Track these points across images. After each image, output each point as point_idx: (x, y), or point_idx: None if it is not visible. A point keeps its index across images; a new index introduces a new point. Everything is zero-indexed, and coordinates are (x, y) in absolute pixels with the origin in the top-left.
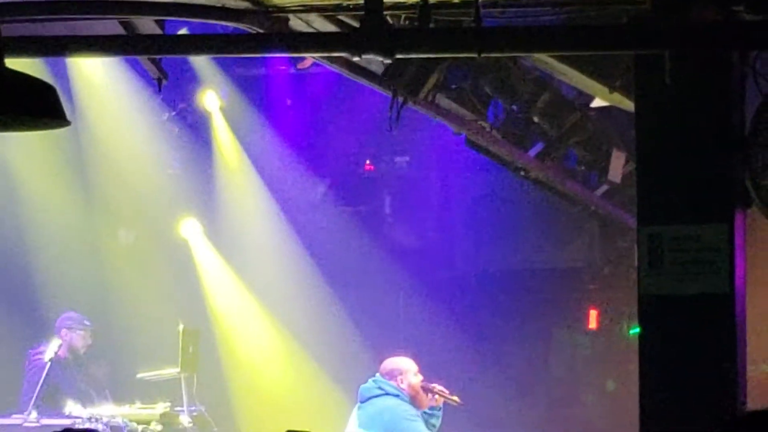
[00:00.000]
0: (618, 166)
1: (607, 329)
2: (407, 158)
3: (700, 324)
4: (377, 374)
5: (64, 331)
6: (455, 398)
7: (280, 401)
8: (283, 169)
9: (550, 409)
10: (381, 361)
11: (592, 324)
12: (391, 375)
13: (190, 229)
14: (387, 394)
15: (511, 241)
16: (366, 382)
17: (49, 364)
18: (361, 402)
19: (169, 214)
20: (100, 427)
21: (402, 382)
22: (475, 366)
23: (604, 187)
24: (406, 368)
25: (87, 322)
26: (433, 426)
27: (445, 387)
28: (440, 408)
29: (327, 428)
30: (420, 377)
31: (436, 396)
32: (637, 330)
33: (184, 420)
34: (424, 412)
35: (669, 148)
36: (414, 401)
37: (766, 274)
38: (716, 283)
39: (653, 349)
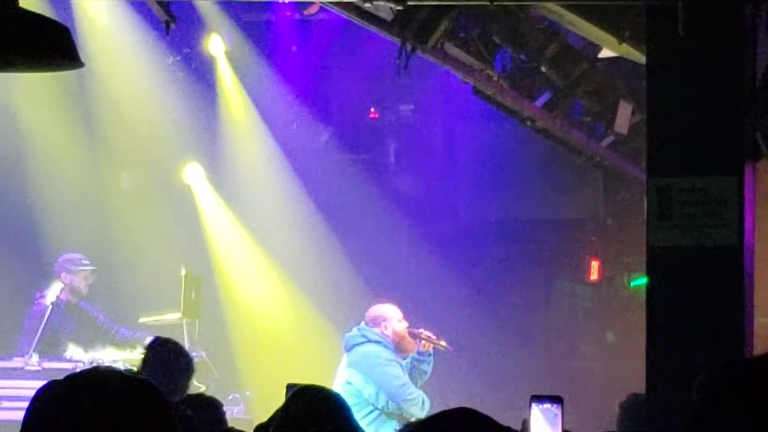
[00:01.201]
0: (625, 117)
1: (608, 281)
2: (412, 107)
3: (707, 276)
4: (362, 322)
5: (64, 275)
6: (443, 343)
7: (281, 347)
8: (288, 116)
9: (550, 359)
10: None
11: (594, 275)
12: (375, 322)
13: (193, 174)
14: (369, 341)
15: (515, 192)
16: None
17: (50, 307)
18: (347, 350)
19: (172, 159)
20: None
21: (386, 329)
22: (475, 315)
23: (610, 139)
24: (389, 315)
25: (85, 261)
26: (425, 372)
27: (445, 336)
28: (430, 354)
29: (327, 375)
30: (404, 323)
31: (424, 341)
32: (639, 282)
33: None
34: (413, 358)
35: (679, 100)
36: (399, 347)
37: None
38: (725, 235)
39: (660, 301)
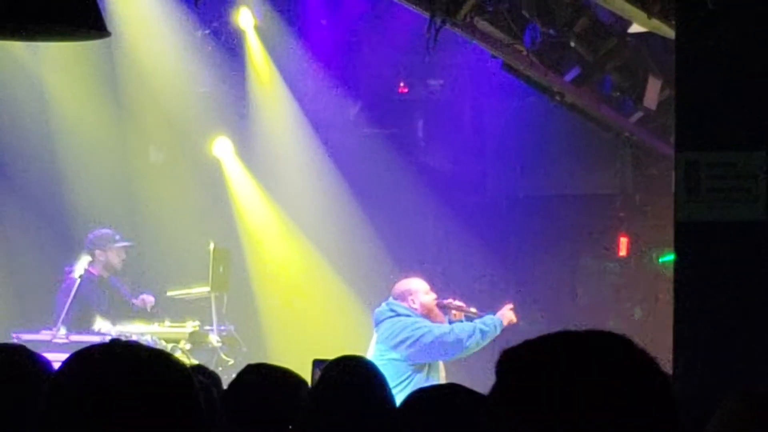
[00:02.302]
0: (654, 92)
1: (636, 257)
2: (441, 81)
3: (736, 251)
4: (390, 298)
5: (98, 252)
6: (473, 310)
7: (309, 322)
8: (316, 90)
9: None
10: None
11: (622, 251)
12: (402, 297)
13: (222, 148)
14: (398, 315)
15: (543, 167)
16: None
17: (78, 281)
18: (376, 326)
19: (201, 133)
20: None
21: (414, 302)
22: (503, 291)
23: (639, 114)
24: (415, 288)
25: (118, 237)
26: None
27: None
28: (462, 321)
29: (355, 350)
30: (433, 295)
31: (454, 311)
32: (667, 258)
33: (213, 339)
34: None
35: (709, 74)
36: (429, 319)
37: None
38: (753, 210)
39: (688, 276)
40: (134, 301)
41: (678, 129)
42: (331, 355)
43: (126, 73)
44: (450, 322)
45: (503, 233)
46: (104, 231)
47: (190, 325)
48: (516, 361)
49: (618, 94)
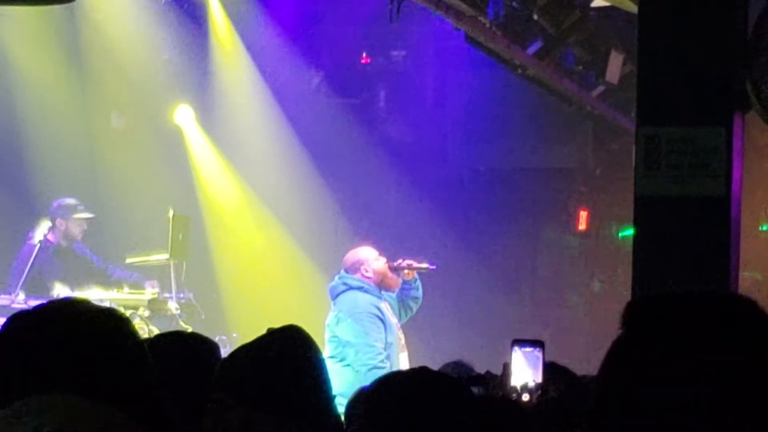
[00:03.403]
0: (616, 66)
1: (596, 231)
2: (404, 53)
3: (694, 226)
4: (342, 270)
5: (59, 220)
6: (425, 265)
7: (268, 290)
8: (279, 58)
9: (536, 307)
10: None
11: (582, 225)
12: (354, 268)
13: (184, 115)
14: (351, 288)
15: (505, 140)
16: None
17: (37, 247)
18: (332, 299)
19: (162, 100)
20: None
21: (366, 272)
22: (463, 263)
23: (601, 88)
24: (365, 257)
25: (81, 207)
26: (415, 298)
27: (432, 282)
28: (416, 279)
29: (313, 318)
30: (383, 260)
31: (406, 271)
32: (627, 232)
33: (172, 306)
34: (401, 291)
35: (671, 49)
36: (382, 285)
37: (762, 179)
38: (712, 185)
39: (647, 250)
40: (146, 283)
41: (639, 104)
42: (287, 322)
43: (88, 39)
44: (404, 282)
45: (464, 205)
46: (69, 200)
47: (150, 292)
48: (649, 309)
49: (580, 68)
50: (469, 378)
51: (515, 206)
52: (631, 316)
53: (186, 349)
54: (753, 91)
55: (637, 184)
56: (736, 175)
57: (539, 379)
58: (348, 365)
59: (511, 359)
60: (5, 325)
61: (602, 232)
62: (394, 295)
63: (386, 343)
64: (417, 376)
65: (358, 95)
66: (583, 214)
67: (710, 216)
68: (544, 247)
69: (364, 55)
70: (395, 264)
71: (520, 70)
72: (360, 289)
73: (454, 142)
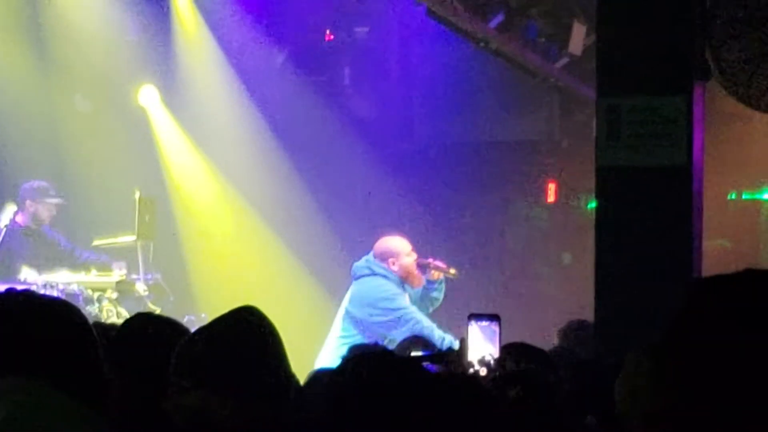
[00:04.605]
0: (579, 38)
1: (564, 203)
2: (367, 29)
3: (657, 196)
4: (370, 254)
5: (28, 202)
6: (452, 271)
7: (236, 270)
8: (242, 38)
9: (506, 281)
10: (338, 232)
11: (550, 197)
12: (383, 258)
13: (148, 96)
14: (374, 274)
15: (470, 114)
16: (359, 260)
17: (3, 230)
18: (354, 279)
19: (126, 82)
20: (55, 293)
21: (393, 264)
22: (431, 237)
23: (565, 60)
24: (397, 251)
25: (53, 192)
26: (435, 299)
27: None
28: (441, 281)
29: (281, 296)
30: (413, 257)
31: (433, 271)
32: (595, 204)
33: (140, 288)
34: (424, 287)
35: (629, 19)
36: (407, 282)
37: (724, 148)
38: (674, 155)
39: (610, 221)
40: (114, 263)
41: (599, 74)
42: (257, 304)
43: (50, 21)
44: (428, 282)
45: (431, 180)
46: (40, 183)
47: (117, 274)
48: (715, 287)
49: (543, 40)
50: (431, 356)
51: (483, 180)
52: (699, 293)
53: (157, 332)
54: (712, 59)
55: (599, 155)
56: (697, 143)
57: (496, 354)
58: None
59: (467, 334)
60: None
61: (571, 203)
62: (417, 290)
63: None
64: (371, 358)
65: (322, 72)
66: (552, 186)
67: (672, 185)
68: (513, 220)
69: (327, 32)
70: (425, 261)
71: (483, 44)
72: (384, 276)
73: (420, 117)
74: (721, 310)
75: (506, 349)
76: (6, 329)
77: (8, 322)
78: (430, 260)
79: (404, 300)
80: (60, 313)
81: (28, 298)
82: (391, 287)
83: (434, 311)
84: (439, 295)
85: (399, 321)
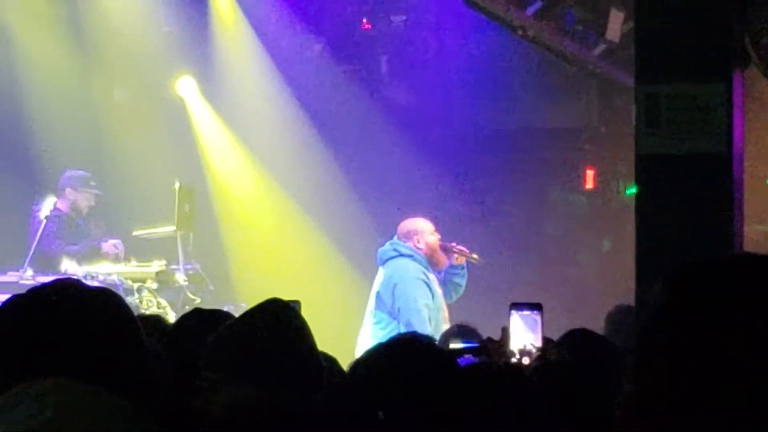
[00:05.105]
0: (616, 24)
1: (603, 189)
2: (404, 17)
3: (697, 183)
4: (395, 237)
5: (68, 191)
6: (475, 256)
7: (276, 259)
8: (280, 27)
9: (544, 268)
10: (377, 220)
11: (589, 184)
12: (407, 236)
13: (186, 87)
14: (401, 255)
15: (508, 101)
16: (383, 245)
17: (44, 221)
18: (381, 265)
19: (164, 72)
20: (95, 284)
21: (418, 242)
22: (469, 225)
23: (602, 47)
24: (421, 228)
25: (93, 183)
26: (458, 285)
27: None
28: (463, 267)
29: (318, 284)
30: (437, 236)
31: (456, 255)
32: (634, 190)
33: (180, 278)
34: (447, 271)
35: (668, 6)
36: (431, 260)
37: (764, 135)
38: (713, 142)
39: (650, 209)
40: (103, 244)
41: (637, 61)
42: (296, 292)
43: (89, 13)
44: (450, 266)
45: (470, 168)
46: (81, 172)
47: (157, 264)
48: (694, 272)
49: (580, 27)
50: (472, 349)
51: (521, 167)
52: (674, 282)
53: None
54: (751, 45)
55: (638, 143)
56: (737, 130)
57: (538, 343)
58: (393, 331)
59: (509, 323)
60: (2, 309)
61: (609, 190)
62: (440, 276)
63: (432, 310)
64: (400, 346)
65: (360, 61)
66: (590, 173)
67: (712, 173)
68: (552, 207)
69: (364, 20)
70: (448, 244)
71: (520, 31)
72: (410, 257)
73: (457, 105)
74: (704, 302)
75: (567, 337)
76: (51, 322)
77: (52, 315)
78: (454, 244)
79: (425, 292)
80: (109, 306)
81: (77, 290)
82: (417, 267)
83: (473, 301)
84: (461, 281)
85: (411, 314)
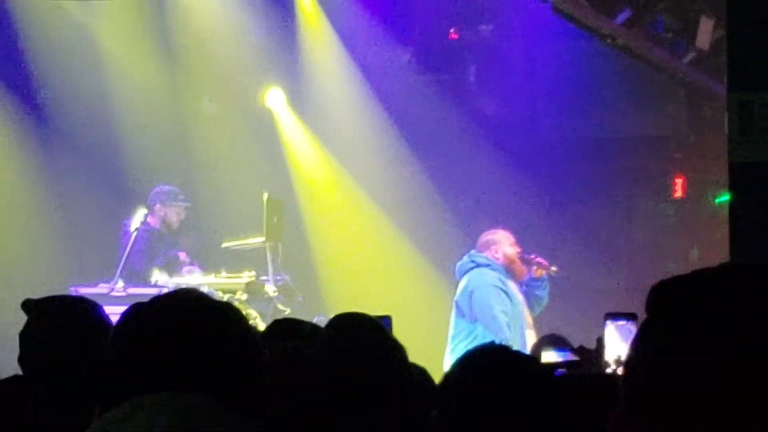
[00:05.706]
0: (706, 32)
1: (692, 197)
2: (492, 27)
3: None
4: (473, 250)
5: (158, 206)
6: (554, 268)
7: (365, 270)
8: (367, 37)
9: (633, 277)
10: (466, 231)
11: (678, 192)
12: (486, 246)
13: (275, 98)
14: (478, 265)
15: (596, 110)
16: (461, 258)
17: (135, 233)
18: (459, 278)
19: (252, 84)
20: None
21: (496, 252)
22: (558, 234)
23: (692, 55)
24: (499, 239)
25: (182, 197)
26: (540, 297)
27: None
28: (545, 279)
29: (410, 293)
30: (516, 249)
31: (535, 267)
32: (723, 198)
33: (270, 289)
34: (527, 284)
35: (761, 11)
36: (509, 271)
37: None
38: None
39: (744, 218)
40: (185, 269)
41: (730, 69)
42: (385, 303)
43: (177, 24)
44: (530, 277)
45: (557, 176)
46: (168, 187)
47: (246, 276)
48: (675, 290)
49: (670, 35)
50: (568, 363)
51: (609, 175)
52: (650, 299)
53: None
54: None
55: (732, 152)
56: None
57: None
58: (473, 339)
59: (604, 333)
60: (121, 320)
61: (698, 198)
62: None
63: (512, 316)
64: (490, 356)
65: (447, 71)
66: (679, 182)
67: None
68: (640, 215)
69: (452, 30)
70: (528, 256)
71: (609, 40)
72: (488, 266)
73: (546, 114)
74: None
75: None
76: (171, 334)
77: (173, 327)
78: (534, 255)
79: (501, 299)
80: (230, 318)
81: (200, 301)
82: (494, 275)
83: (562, 310)
84: (543, 293)
85: (488, 321)
